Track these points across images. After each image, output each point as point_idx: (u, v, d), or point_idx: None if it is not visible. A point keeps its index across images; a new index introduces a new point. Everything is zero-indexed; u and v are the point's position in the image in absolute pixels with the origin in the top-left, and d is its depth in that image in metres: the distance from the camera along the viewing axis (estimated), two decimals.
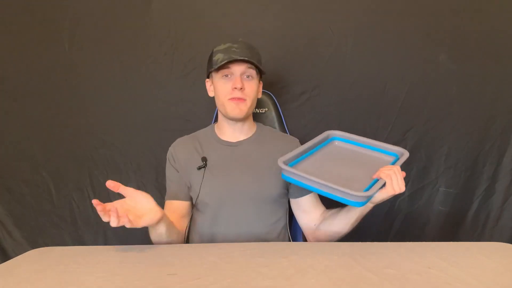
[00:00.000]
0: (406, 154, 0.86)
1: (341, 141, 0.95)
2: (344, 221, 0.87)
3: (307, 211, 0.98)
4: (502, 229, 1.44)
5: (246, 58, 0.91)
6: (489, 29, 1.39)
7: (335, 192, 0.75)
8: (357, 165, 0.86)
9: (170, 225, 0.85)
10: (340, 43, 1.41)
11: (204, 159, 0.97)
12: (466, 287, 0.54)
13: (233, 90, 0.93)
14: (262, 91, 1.23)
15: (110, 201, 1.53)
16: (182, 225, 0.97)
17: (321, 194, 0.79)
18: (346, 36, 1.40)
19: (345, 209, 0.88)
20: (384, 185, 0.78)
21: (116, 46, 1.43)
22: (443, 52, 1.40)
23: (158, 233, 0.83)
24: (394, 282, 0.56)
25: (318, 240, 0.93)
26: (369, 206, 0.83)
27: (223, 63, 0.91)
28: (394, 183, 0.77)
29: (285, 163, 0.84)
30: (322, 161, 0.89)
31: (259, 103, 1.23)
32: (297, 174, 0.80)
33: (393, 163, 0.85)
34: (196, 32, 1.41)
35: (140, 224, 0.74)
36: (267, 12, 1.42)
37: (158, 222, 0.79)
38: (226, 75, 0.95)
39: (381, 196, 0.79)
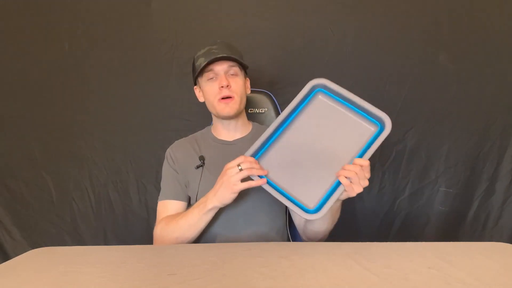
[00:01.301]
0: (387, 128, 0.76)
1: (326, 95, 0.85)
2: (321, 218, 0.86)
3: None
4: (502, 229, 1.44)
5: (225, 55, 0.92)
6: (489, 29, 1.39)
7: (288, 205, 0.77)
8: (333, 140, 0.81)
9: None
10: (340, 43, 1.41)
11: (202, 158, 0.98)
12: (466, 287, 0.54)
13: (220, 89, 0.94)
14: (262, 91, 1.23)
15: (110, 201, 1.54)
16: None
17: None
18: (346, 36, 1.40)
19: None
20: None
21: (116, 46, 1.43)
22: (443, 52, 1.40)
23: (206, 219, 0.85)
24: (394, 282, 0.55)
25: (308, 237, 0.93)
26: (338, 201, 0.80)
27: (203, 64, 0.92)
28: (355, 184, 0.73)
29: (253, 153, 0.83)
30: (299, 137, 0.84)
31: (258, 103, 1.23)
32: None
33: (369, 144, 0.77)
34: (196, 32, 1.41)
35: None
36: (267, 12, 1.42)
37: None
38: (211, 78, 0.96)
39: (344, 196, 0.76)
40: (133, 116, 1.45)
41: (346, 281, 0.56)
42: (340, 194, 0.75)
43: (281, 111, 1.25)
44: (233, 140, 1.03)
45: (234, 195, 0.81)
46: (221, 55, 0.92)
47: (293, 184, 0.81)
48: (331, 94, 0.85)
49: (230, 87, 0.95)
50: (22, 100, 1.45)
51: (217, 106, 0.96)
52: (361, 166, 0.73)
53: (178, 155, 1.01)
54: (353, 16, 1.40)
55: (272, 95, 1.27)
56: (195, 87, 1.05)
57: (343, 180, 0.73)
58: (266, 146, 0.84)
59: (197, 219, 0.85)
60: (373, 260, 0.64)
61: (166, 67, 1.43)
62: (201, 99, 1.04)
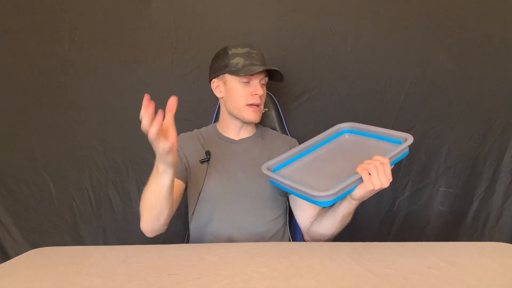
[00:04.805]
0: (409, 140, 0.79)
1: (351, 133, 0.93)
2: (331, 220, 0.85)
3: (303, 209, 0.98)
4: (502, 229, 1.44)
5: (277, 68, 0.95)
6: (489, 29, 1.39)
7: (301, 192, 0.75)
8: (356, 158, 0.81)
9: (172, 187, 0.80)
10: (340, 43, 1.41)
11: (208, 153, 0.99)
12: (466, 287, 0.54)
13: (253, 95, 0.96)
14: None
15: (110, 200, 1.54)
16: (174, 206, 0.90)
17: (294, 195, 0.79)
18: (346, 36, 1.40)
19: (332, 208, 0.85)
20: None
21: (116, 46, 1.42)
22: (443, 52, 1.40)
23: (162, 184, 0.76)
24: (394, 282, 0.56)
25: (312, 238, 0.93)
26: (353, 203, 0.78)
27: (256, 71, 0.94)
28: (374, 178, 0.71)
29: (276, 164, 0.87)
30: (323, 157, 0.89)
31: None
32: (271, 176, 0.83)
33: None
34: (196, 32, 1.41)
35: (168, 141, 0.67)
36: (267, 12, 1.42)
37: (171, 168, 0.74)
38: (247, 82, 0.97)
39: (360, 192, 0.73)
40: (133, 116, 1.44)
41: (346, 281, 0.56)
42: (355, 181, 0.72)
43: (281, 111, 1.26)
44: (239, 140, 1.04)
45: (163, 148, 0.68)
46: (274, 68, 0.96)
47: (309, 182, 0.80)
48: (358, 132, 0.92)
49: (262, 96, 0.99)
50: (22, 100, 1.45)
51: (243, 110, 0.98)
52: (382, 163, 0.71)
53: (183, 144, 1.01)
54: (354, 16, 1.40)
55: (272, 95, 1.27)
56: (213, 80, 1.03)
57: (362, 172, 0.71)
58: (292, 160, 0.89)
59: (159, 185, 0.78)
60: (373, 260, 0.64)
61: (166, 67, 1.43)
62: (219, 94, 1.03)
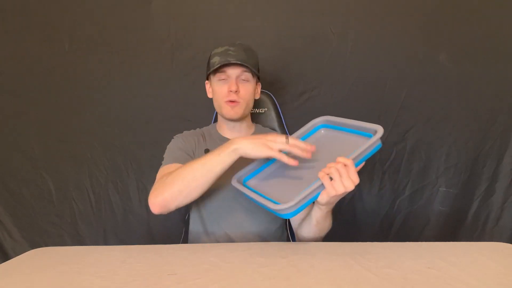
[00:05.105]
0: (378, 133, 0.74)
1: (327, 128, 0.90)
2: (308, 224, 0.84)
3: None
4: (502, 229, 1.44)
5: (240, 62, 0.92)
6: (489, 29, 1.39)
7: (264, 205, 0.72)
8: (329, 157, 0.76)
9: (221, 173, 0.79)
10: (340, 43, 1.41)
11: (207, 151, 0.99)
12: (466, 287, 0.54)
13: (229, 92, 0.95)
14: (262, 91, 1.24)
15: (110, 200, 1.54)
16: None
17: (262, 207, 0.74)
18: (346, 36, 1.41)
19: (308, 212, 0.84)
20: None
21: (116, 46, 1.43)
22: (443, 52, 1.40)
23: (222, 160, 0.76)
24: (394, 282, 0.56)
25: (299, 240, 0.93)
26: (322, 208, 0.76)
27: (217, 66, 0.93)
28: (336, 182, 0.67)
29: (246, 173, 0.85)
30: (297, 158, 0.83)
31: (258, 103, 1.23)
32: (238, 189, 0.80)
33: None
34: (196, 32, 1.41)
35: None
36: (267, 12, 1.42)
37: (239, 154, 0.76)
38: (223, 79, 0.97)
39: (324, 198, 0.70)
40: (133, 116, 1.45)
41: (346, 281, 0.56)
42: (318, 188, 0.69)
43: (281, 111, 1.26)
44: None
45: (262, 153, 0.74)
46: (234, 61, 0.92)
47: (277, 191, 0.78)
48: (333, 126, 0.89)
49: (239, 92, 0.96)
50: (22, 100, 1.45)
51: (223, 108, 0.98)
52: (345, 165, 0.68)
53: (187, 140, 1.01)
54: (354, 16, 1.40)
55: (272, 95, 1.27)
56: (206, 81, 1.06)
57: (323, 178, 0.68)
58: (262, 168, 0.87)
59: (216, 160, 0.77)
60: (373, 260, 0.64)
61: (166, 67, 1.43)
62: (209, 95, 1.05)
